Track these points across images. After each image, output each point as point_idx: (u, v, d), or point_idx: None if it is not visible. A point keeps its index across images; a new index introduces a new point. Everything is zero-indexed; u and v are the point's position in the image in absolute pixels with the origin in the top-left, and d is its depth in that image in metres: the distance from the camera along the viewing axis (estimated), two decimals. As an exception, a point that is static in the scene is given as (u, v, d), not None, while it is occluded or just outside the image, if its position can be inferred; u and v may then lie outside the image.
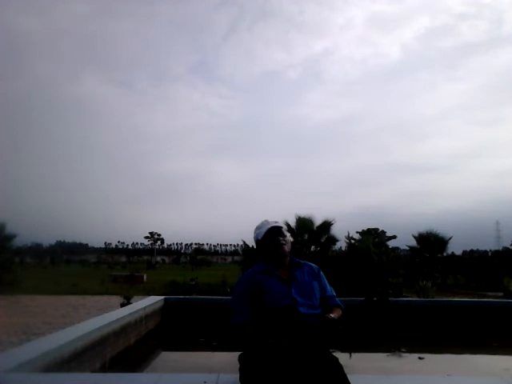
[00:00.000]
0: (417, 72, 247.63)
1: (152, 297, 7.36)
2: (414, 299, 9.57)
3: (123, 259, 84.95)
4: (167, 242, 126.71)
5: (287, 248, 2.12)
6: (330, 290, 2.21)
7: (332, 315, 1.96)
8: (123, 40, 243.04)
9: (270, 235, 2.08)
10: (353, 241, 18.47)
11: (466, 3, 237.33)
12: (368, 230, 34.89)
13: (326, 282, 2.23)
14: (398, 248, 26.03)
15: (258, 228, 2.17)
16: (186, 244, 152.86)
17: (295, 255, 2.25)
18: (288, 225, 17.93)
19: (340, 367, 1.80)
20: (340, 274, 13.98)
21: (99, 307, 10.39)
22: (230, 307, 2.06)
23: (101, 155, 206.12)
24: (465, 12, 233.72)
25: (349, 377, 1.81)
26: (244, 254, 21.07)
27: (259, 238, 2.13)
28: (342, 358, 1.95)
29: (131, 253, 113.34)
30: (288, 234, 2.17)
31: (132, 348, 4.93)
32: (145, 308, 5.77)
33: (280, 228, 2.12)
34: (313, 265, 2.22)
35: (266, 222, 2.16)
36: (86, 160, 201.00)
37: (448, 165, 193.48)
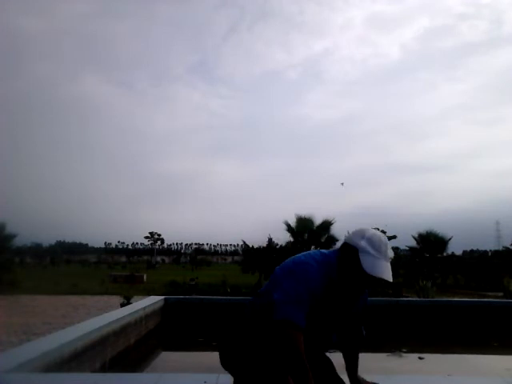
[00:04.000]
0: (417, 72, 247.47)
1: (152, 297, 7.36)
2: (414, 299, 9.57)
3: (123, 259, 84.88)
4: (167, 242, 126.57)
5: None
6: (361, 317, 1.90)
7: None
8: (123, 40, 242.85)
9: (375, 281, 1.55)
10: (353, 241, 18.45)
11: (465, 3, 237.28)
12: (368, 230, 34.80)
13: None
14: (398, 248, 26.02)
15: (371, 245, 1.53)
16: (186, 244, 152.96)
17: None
18: (288, 225, 18.00)
19: (333, 367, 1.78)
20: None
21: (99, 307, 10.38)
22: (286, 293, 1.53)
23: (101, 155, 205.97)
24: (465, 12, 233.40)
25: (349, 377, 1.82)
26: (244, 254, 21.09)
27: (366, 269, 1.49)
28: (342, 358, 1.94)
29: (131, 253, 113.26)
30: None
31: (132, 348, 4.93)
32: (145, 308, 5.78)
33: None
34: (367, 298, 1.89)
35: (386, 252, 1.53)
36: (86, 160, 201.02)
37: (448, 165, 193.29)
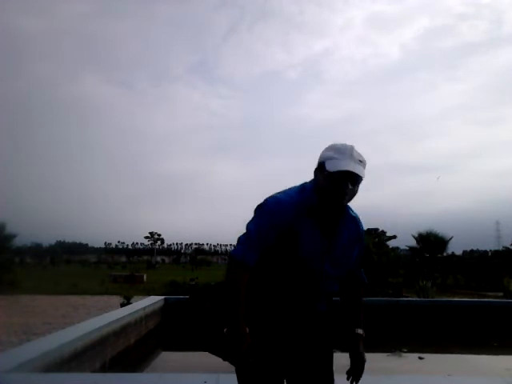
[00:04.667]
0: (417, 72, 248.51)
1: (152, 297, 7.36)
2: (414, 299, 9.57)
3: (123, 259, 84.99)
4: (167, 242, 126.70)
5: (348, 199, 1.56)
6: (360, 260, 1.76)
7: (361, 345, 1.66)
8: (123, 40, 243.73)
9: (342, 178, 1.48)
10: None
11: (465, 3, 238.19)
12: (368, 229, 34.81)
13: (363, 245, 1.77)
14: (398, 248, 26.04)
15: (336, 151, 1.52)
16: (186, 244, 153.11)
17: None
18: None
19: (331, 364, 1.74)
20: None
21: (99, 307, 10.38)
22: (246, 232, 1.51)
23: (101, 155, 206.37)
24: (465, 12, 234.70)
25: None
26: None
27: (330, 169, 1.48)
28: (343, 357, 1.94)
29: (131, 253, 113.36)
30: (360, 183, 1.56)
31: (132, 348, 4.93)
32: (145, 308, 5.77)
33: (358, 177, 1.50)
34: (358, 220, 1.70)
35: (351, 153, 1.50)
36: (86, 160, 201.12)
37: (448, 165, 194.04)
